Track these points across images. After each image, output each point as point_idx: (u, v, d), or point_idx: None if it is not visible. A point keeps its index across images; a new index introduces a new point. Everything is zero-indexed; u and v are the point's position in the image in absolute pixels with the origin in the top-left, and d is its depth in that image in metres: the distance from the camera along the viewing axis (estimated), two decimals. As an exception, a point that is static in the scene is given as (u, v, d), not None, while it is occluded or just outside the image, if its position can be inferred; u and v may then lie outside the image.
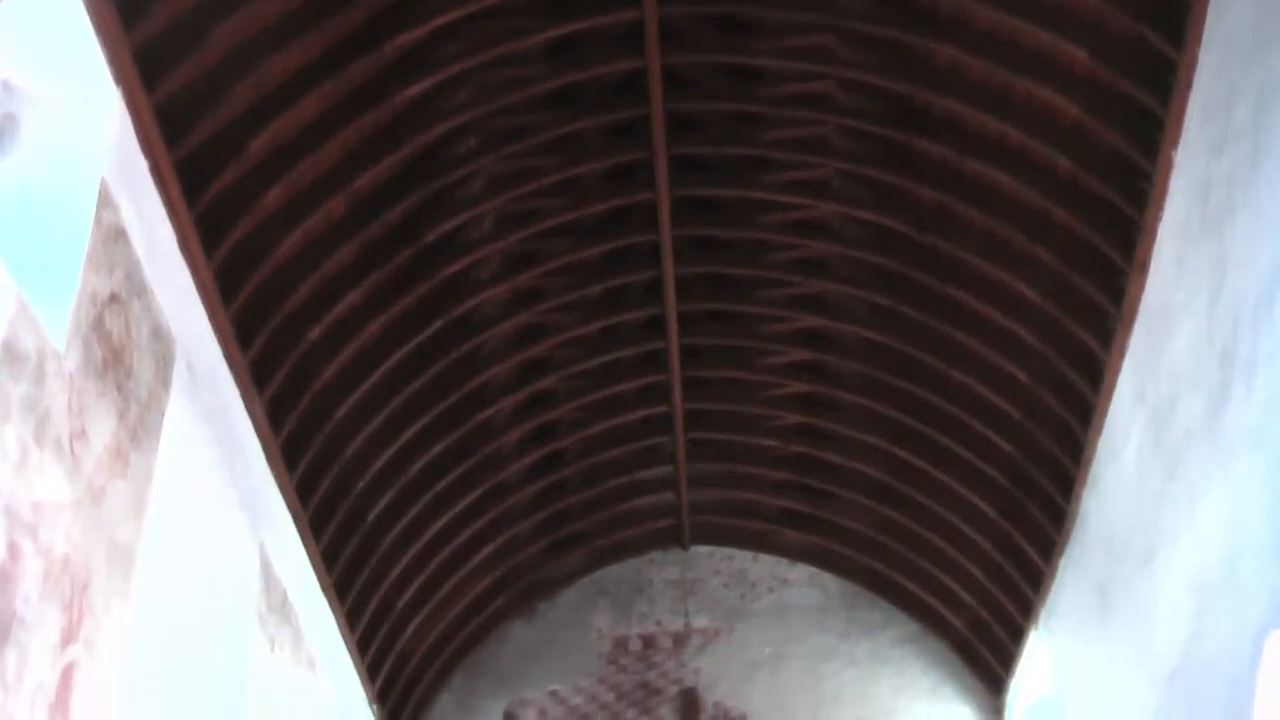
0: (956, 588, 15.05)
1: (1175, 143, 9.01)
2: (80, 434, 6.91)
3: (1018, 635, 14.26)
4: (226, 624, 9.45)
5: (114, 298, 7.47)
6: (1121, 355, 10.48)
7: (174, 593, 8.25)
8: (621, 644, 16.49)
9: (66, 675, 6.60)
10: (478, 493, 14.34)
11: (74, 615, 6.71)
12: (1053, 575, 12.95)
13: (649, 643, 16.48)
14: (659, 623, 16.60)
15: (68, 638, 6.63)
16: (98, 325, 7.24)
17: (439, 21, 10.23)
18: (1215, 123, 8.46)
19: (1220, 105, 8.37)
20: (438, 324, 12.29)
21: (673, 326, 13.72)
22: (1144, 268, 9.81)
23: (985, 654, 15.27)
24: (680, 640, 16.46)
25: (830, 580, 16.66)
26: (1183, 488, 9.59)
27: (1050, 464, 12.30)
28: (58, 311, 6.76)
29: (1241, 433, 8.53)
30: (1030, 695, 14.52)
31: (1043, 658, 13.75)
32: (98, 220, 7.23)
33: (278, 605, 10.68)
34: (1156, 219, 9.46)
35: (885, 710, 15.75)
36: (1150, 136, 9.21)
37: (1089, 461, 11.56)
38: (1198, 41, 8.55)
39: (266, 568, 10.42)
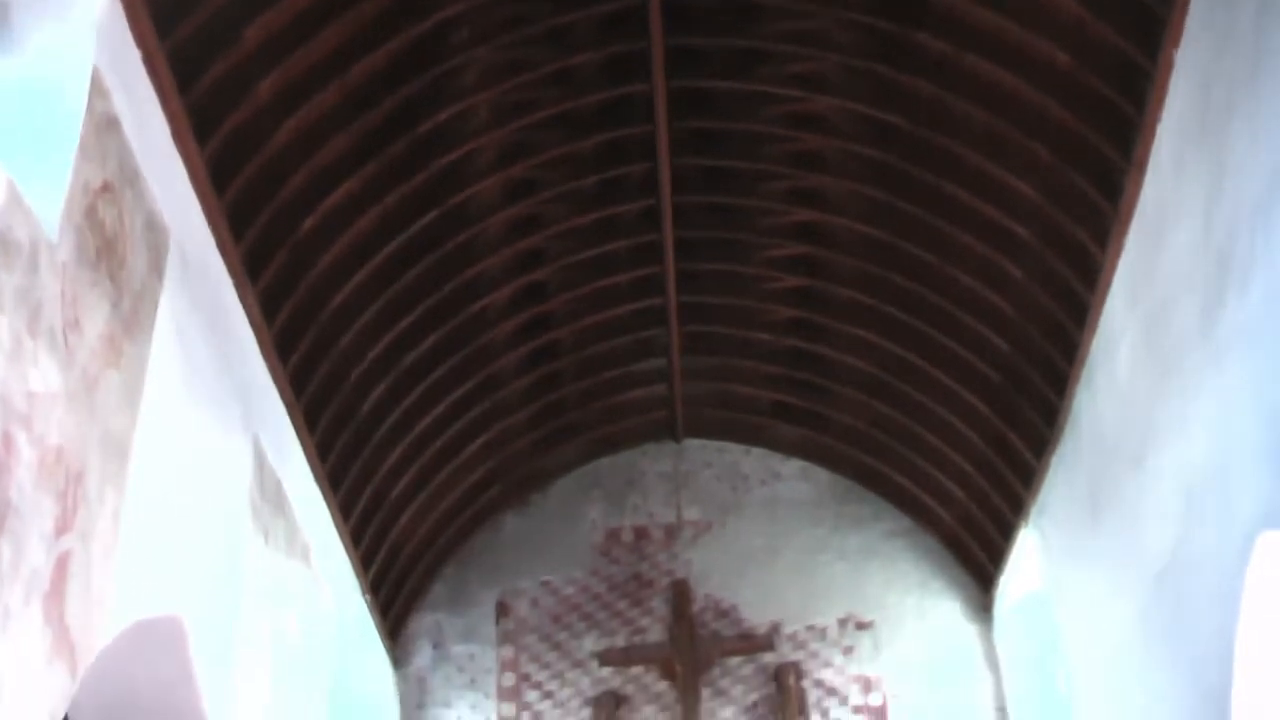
0: (947, 483, 15.13)
1: (1176, 42, 8.92)
2: (73, 324, 6.90)
3: (1008, 531, 14.35)
4: (221, 515, 9.48)
5: (107, 187, 7.43)
6: (1117, 254, 10.45)
7: (168, 483, 8.28)
8: (614, 536, 16.59)
9: (61, 565, 6.64)
10: (471, 384, 14.36)
11: (68, 505, 6.73)
12: (1044, 472, 13.01)
13: (641, 534, 16.58)
14: (651, 515, 16.69)
15: (62, 527, 6.66)
16: (91, 215, 7.20)
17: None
18: (1217, 23, 8.38)
19: (1222, 5, 8.28)
20: (432, 215, 12.22)
21: (668, 219, 13.66)
22: (1142, 167, 9.76)
23: (975, 549, 15.38)
24: (672, 532, 16.56)
25: (822, 474, 16.74)
26: (1175, 388, 9.61)
27: (1043, 362, 12.32)
28: (50, 201, 6.73)
29: (1235, 335, 8.53)
30: (1019, 591, 14.64)
31: (1032, 554, 13.85)
32: (90, 109, 7.17)
33: (271, 496, 10.72)
34: (1156, 118, 9.39)
35: (875, 603, 15.87)
36: (1151, 35, 9.12)
37: (1082, 360, 11.57)
38: (1202, -60, 8.47)
39: (260, 459, 10.44)
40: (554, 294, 14.35)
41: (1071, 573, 12.67)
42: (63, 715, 6.76)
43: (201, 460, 9.04)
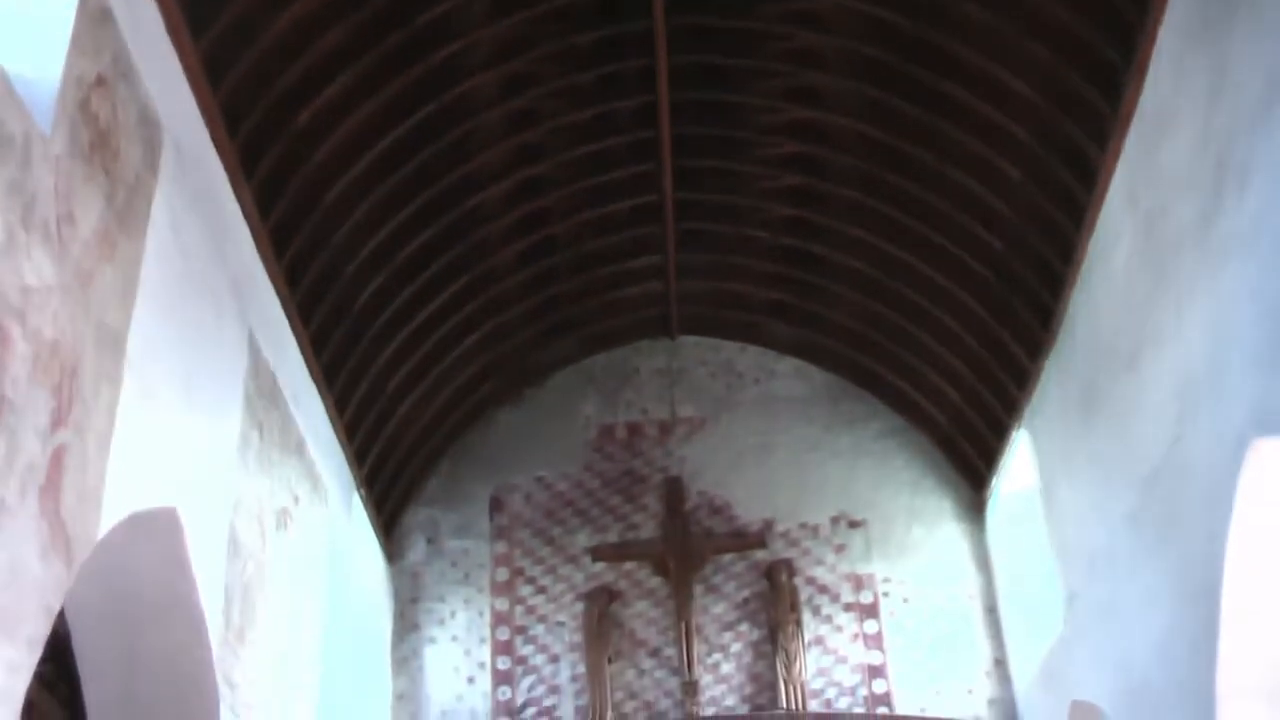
0: (941, 383, 15.16)
1: (1179, -56, 8.87)
2: (67, 218, 6.88)
3: (1001, 432, 14.40)
4: (215, 408, 9.50)
5: (100, 80, 7.37)
6: (1116, 157, 10.41)
7: (163, 377, 8.28)
8: (608, 431, 16.63)
9: (57, 458, 6.66)
10: (467, 279, 14.33)
11: (63, 399, 6.74)
12: (1038, 374, 13.04)
13: (635, 431, 16.63)
14: (645, 411, 16.72)
15: (57, 421, 6.67)
16: (84, 108, 7.15)
17: None
18: (1221, -75, 8.32)
19: (1226, -94, 8.22)
20: (429, 108, 12.14)
21: (665, 115, 13.57)
22: (1142, 69, 9.70)
23: (968, 449, 15.43)
24: (666, 429, 16.61)
25: (816, 373, 16.76)
26: (1171, 292, 9.61)
27: (1039, 263, 12.30)
28: (43, 94, 6.68)
29: (1231, 239, 8.53)
30: (1011, 491, 14.72)
31: (1025, 455, 13.90)
32: (83, 2, 7.10)
33: (266, 390, 10.73)
34: (1157, 21, 9.32)
35: (867, 502, 15.96)
36: (1154, -64, 9.06)
37: (1079, 263, 11.56)
38: None
39: (255, 353, 10.44)
40: (550, 189, 14.27)
41: (1063, 473, 12.72)
42: (59, 607, 6.80)
43: (196, 353, 9.03)
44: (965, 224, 12.96)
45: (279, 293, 11.15)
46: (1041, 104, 11.04)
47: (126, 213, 7.74)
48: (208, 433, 9.28)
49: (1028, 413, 13.56)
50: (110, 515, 7.35)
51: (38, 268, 6.46)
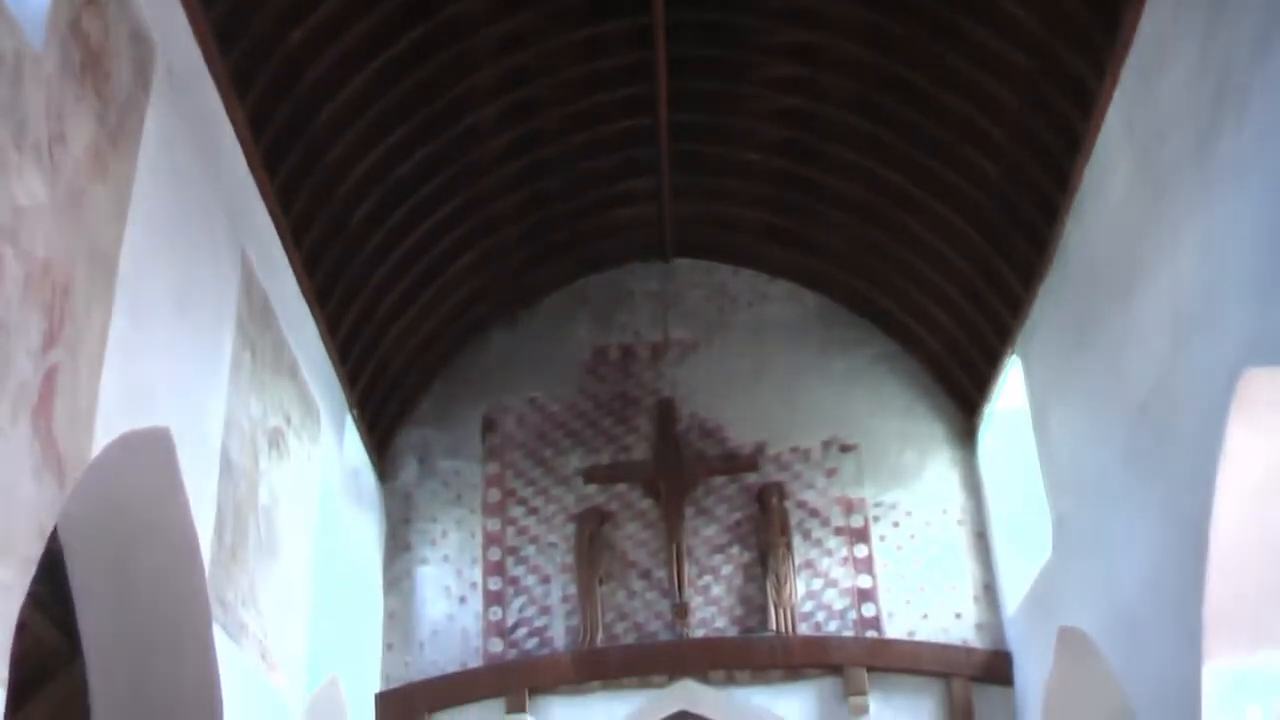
0: (935, 309, 15.15)
1: None
2: (59, 138, 6.84)
3: (993, 358, 14.41)
4: (208, 328, 9.49)
5: (91, -1, 7.32)
6: (1113, 85, 10.35)
7: (155, 297, 8.26)
8: (601, 354, 16.63)
9: (49, 378, 6.66)
10: (460, 200, 14.28)
11: (55, 319, 6.73)
12: (1031, 301, 13.03)
13: (628, 353, 16.63)
14: (638, 334, 16.71)
15: (50, 342, 6.67)
16: (75, 27, 7.09)
17: None
18: None
19: None
20: (421, 29, 12.04)
21: (660, 35, 13.45)
22: (1142, -5, 9.66)
23: (960, 375, 15.44)
24: (659, 351, 16.61)
25: (809, 297, 16.73)
26: (1167, 221, 9.59)
27: (1035, 190, 12.26)
28: (34, 12, 6.62)
29: (1228, 168, 8.51)
30: (1003, 417, 14.75)
31: (1017, 381, 13.92)
32: (73, -83, 7.05)
33: (259, 311, 10.71)
34: (1158, -53, 9.28)
35: (858, 426, 15.97)
36: None
37: (1075, 190, 11.52)
38: None
39: (247, 273, 10.42)
40: (544, 110, 14.19)
41: (1055, 400, 12.74)
42: (52, 527, 6.82)
43: (189, 274, 9.01)
44: (961, 150, 12.91)
45: (271, 213, 11.12)
46: (1040, 30, 10.97)
47: (118, 133, 7.70)
48: (200, 353, 9.28)
49: (1021, 339, 13.56)
50: (103, 435, 7.36)
51: (29, 188, 6.43)
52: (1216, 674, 9.28)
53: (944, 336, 15.34)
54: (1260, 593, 9.04)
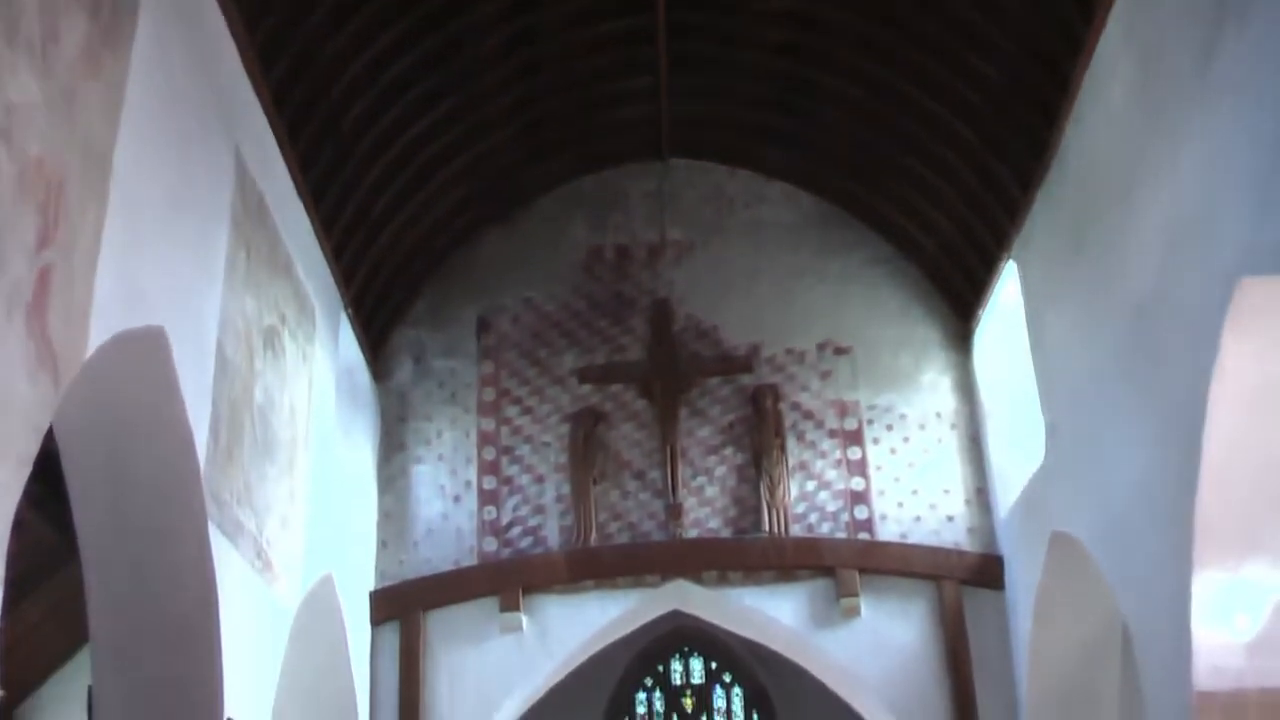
0: (932, 212, 15.10)
1: None
2: (52, 35, 6.77)
3: (990, 263, 14.38)
4: (203, 227, 9.45)
5: (83, -108, 7.22)
6: (1116, -12, 10.29)
7: (150, 196, 8.22)
8: (596, 254, 16.58)
9: (43, 278, 6.63)
10: (455, 99, 14.17)
11: (49, 218, 6.70)
12: (1029, 207, 12.99)
13: (623, 254, 16.58)
14: (634, 234, 16.65)
15: (43, 241, 6.64)
16: (67, -79, 7.01)
17: None
18: None
19: None
20: (418, -75, 11.94)
21: (660, -66, 13.36)
22: (1146, -101, 9.56)
23: (956, 279, 15.42)
24: (655, 252, 16.56)
25: (806, 198, 16.65)
26: (1166, 128, 9.54)
27: (1035, 95, 12.19)
28: (25, -94, 6.54)
29: (1229, 76, 8.46)
30: (998, 322, 14.74)
31: (1013, 287, 13.90)
32: None
33: (253, 209, 10.66)
34: None
35: (853, 329, 15.96)
36: None
37: (1074, 94, 11.46)
38: None
39: (242, 172, 10.36)
40: (541, 8, 14.05)
41: (1051, 306, 12.74)
42: (47, 426, 6.82)
43: (183, 172, 8.96)
44: (961, 52, 12.81)
45: (266, 112, 11.04)
46: (1042, -68, 10.88)
47: (111, 30, 7.61)
48: (195, 252, 9.25)
49: (1017, 244, 13.54)
50: (97, 334, 7.34)
51: (23, 86, 6.37)
52: (1206, 582, 9.37)
53: (941, 240, 15.30)
54: (1251, 501, 9.10)
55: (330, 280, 13.47)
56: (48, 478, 8.76)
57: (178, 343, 8.60)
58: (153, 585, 9.06)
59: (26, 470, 6.49)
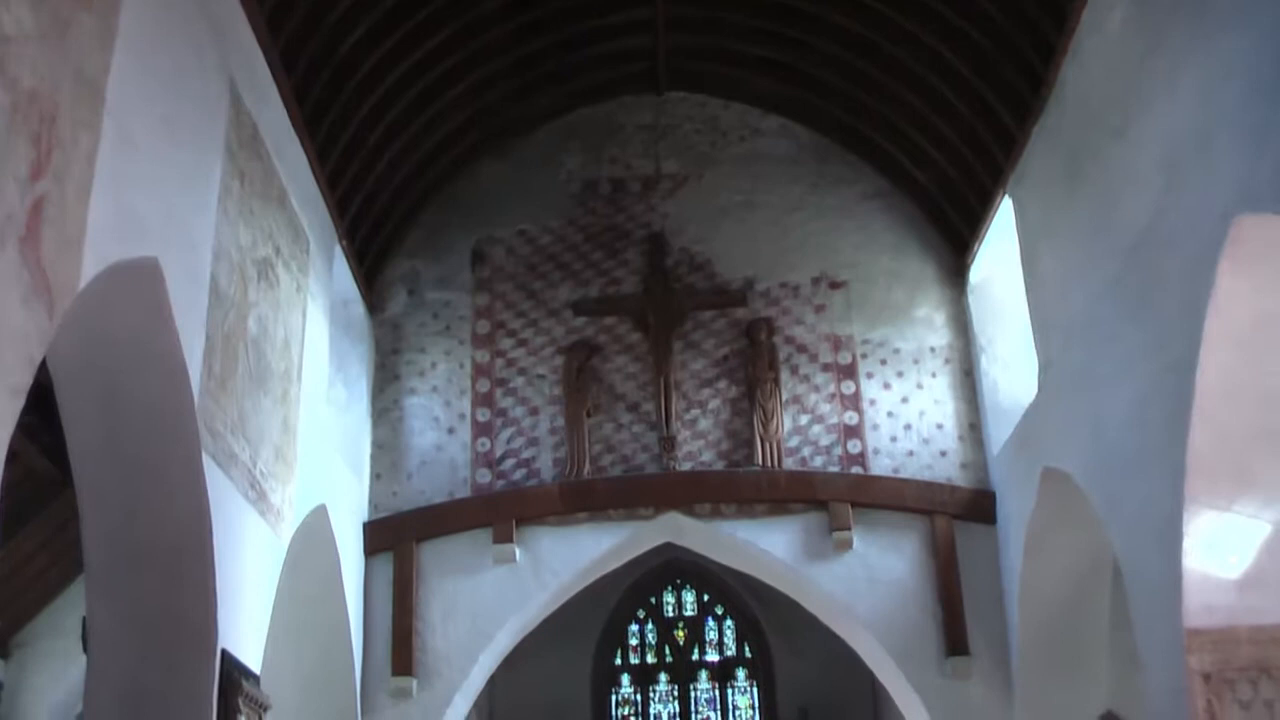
0: (928, 147, 15.05)
1: None
2: (44, -36, 6.72)
3: (985, 198, 14.35)
4: (197, 158, 9.41)
5: None
6: (1116, -79, 10.23)
7: (143, 126, 8.18)
8: (591, 186, 16.53)
9: (36, 208, 6.61)
10: (451, 29, 14.06)
11: (43, 149, 6.67)
12: (1025, 141, 12.95)
13: (618, 186, 16.53)
14: (629, 167, 16.59)
15: (37, 172, 6.61)
16: None
17: None
18: None
19: None
20: None
21: None
22: None
23: (951, 214, 15.39)
24: (650, 185, 16.50)
25: (802, 132, 16.59)
26: (1163, 63, 9.51)
27: (1032, 28, 12.13)
28: None
29: (1228, 10, 8.45)
30: (993, 257, 14.73)
31: (1008, 222, 13.88)
32: None
33: (247, 140, 10.62)
34: None
35: (848, 262, 15.94)
36: None
37: (1072, 29, 11.41)
38: None
39: (236, 101, 10.30)
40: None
41: (1046, 241, 12.72)
42: (41, 357, 6.82)
43: (177, 103, 8.90)
44: (960, -15, 12.76)
45: (260, 41, 10.96)
46: None
47: (104, -41, 7.56)
48: (188, 182, 9.21)
49: (1013, 179, 13.50)
50: (91, 265, 7.32)
51: (16, 16, 6.33)
52: (1198, 518, 9.41)
53: (937, 175, 15.26)
54: (1243, 438, 9.14)
55: (325, 211, 13.43)
56: (42, 409, 8.78)
57: (171, 273, 8.57)
58: (147, 516, 9.08)
59: (20, 401, 6.49)
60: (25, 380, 6.54)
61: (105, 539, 9.02)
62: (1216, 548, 9.52)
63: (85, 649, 9.16)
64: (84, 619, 9.18)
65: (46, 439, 11.43)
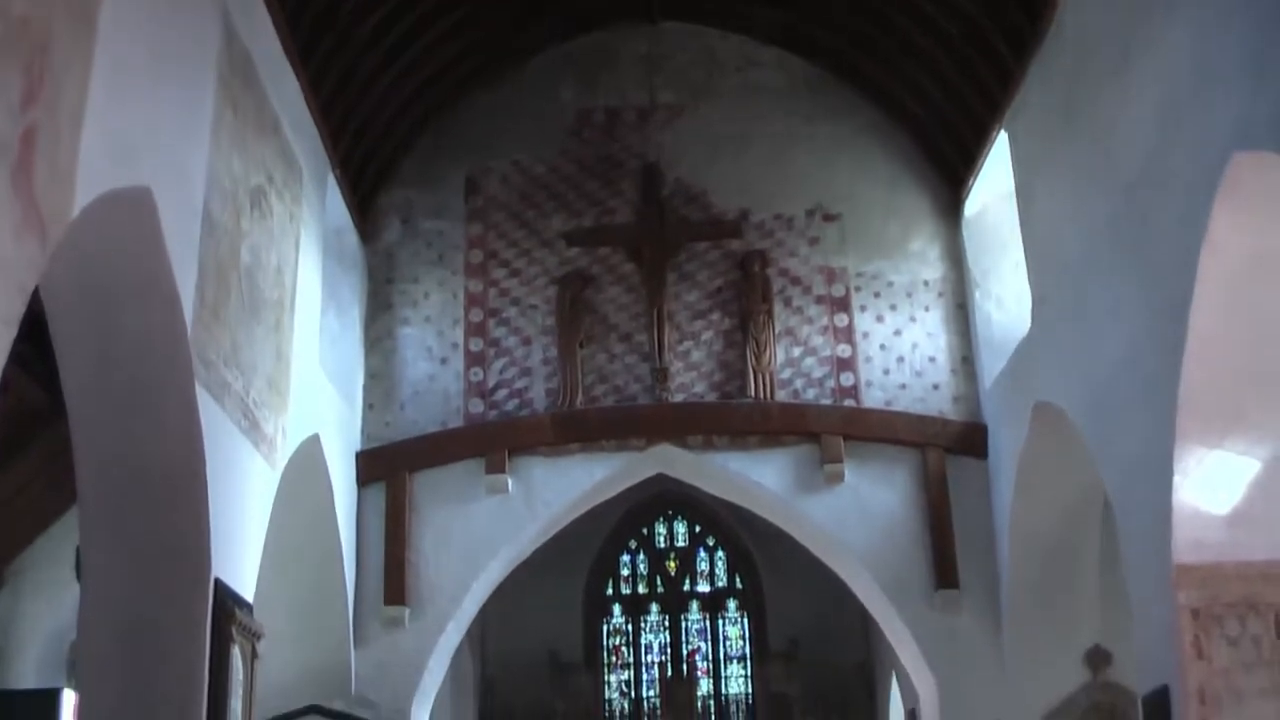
0: (925, 81, 14.98)
1: None
2: (34, -109, 6.65)
3: (982, 133, 14.30)
4: (189, 87, 9.36)
5: None
6: None
7: (135, 55, 8.12)
8: (586, 116, 16.44)
9: (28, 138, 6.57)
10: (446, -43, 14.00)
11: (34, 78, 6.62)
12: (1022, 76, 12.90)
13: (613, 116, 16.44)
14: (624, 97, 16.50)
15: (28, 100, 6.56)
16: None
17: None
18: None
19: None
20: None
21: None
22: None
23: (947, 149, 15.34)
24: (645, 115, 16.42)
25: (798, 64, 16.49)
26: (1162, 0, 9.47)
27: (1032, -38, 12.08)
28: None
29: (1228, -52, 8.39)
30: (988, 192, 14.70)
31: (1004, 158, 13.84)
32: None
33: (240, 68, 10.55)
34: None
35: (842, 195, 15.89)
36: None
37: (1072, -37, 11.37)
38: None
39: (229, 30, 10.23)
40: None
41: (1042, 177, 12.69)
42: (33, 286, 6.80)
43: (169, 32, 8.84)
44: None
45: (253, -33, 10.90)
46: None
47: (95, -116, 7.48)
48: (181, 111, 9.16)
49: (1010, 114, 13.45)
50: (84, 195, 7.29)
51: (6, -58, 6.27)
52: (1189, 455, 9.45)
53: (933, 109, 15.19)
54: (1236, 377, 9.16)
55: (318, 140, 13.37)
56: (35, 339, 8.76)
57: (164, 202, 8.54)
58: (140, 446, 9.10)
59: (13, 331, 6.48)
60: (18, 310, 6.53)
61: (98, 469, 9.03)
62: (1207, 484, 9.56)
63: (79, 578, 9.18)
64: (78, 548, 9.20)
65: (40, 369, 11.40)
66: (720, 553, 24.16)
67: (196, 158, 9.50)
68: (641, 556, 24.29)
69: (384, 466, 14.81)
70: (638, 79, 16.49)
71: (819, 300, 15.52)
